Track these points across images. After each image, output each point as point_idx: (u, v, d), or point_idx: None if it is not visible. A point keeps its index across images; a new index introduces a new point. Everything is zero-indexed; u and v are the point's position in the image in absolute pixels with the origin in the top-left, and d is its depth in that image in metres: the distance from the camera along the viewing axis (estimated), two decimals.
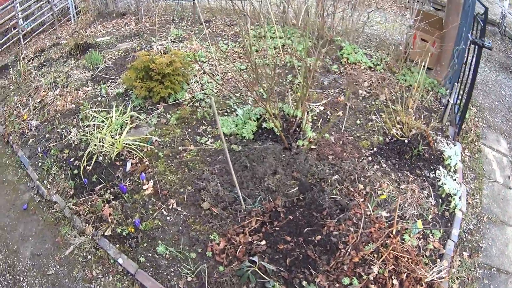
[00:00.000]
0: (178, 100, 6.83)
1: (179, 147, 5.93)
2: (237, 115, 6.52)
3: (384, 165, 5.60)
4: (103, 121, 6.41)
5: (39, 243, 5.35)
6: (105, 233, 5.07)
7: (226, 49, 8.59)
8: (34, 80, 8.45)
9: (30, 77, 8.66)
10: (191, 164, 5.71)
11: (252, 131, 6.09)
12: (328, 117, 6.67)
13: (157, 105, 6.76)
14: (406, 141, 5.86)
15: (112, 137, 6.05)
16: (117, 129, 6.26)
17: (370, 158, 5.72)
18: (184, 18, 10.40)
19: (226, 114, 6.65)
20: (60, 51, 9.58)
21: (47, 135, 6.85)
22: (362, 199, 4.98)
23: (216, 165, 5.67)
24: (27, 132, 7.13)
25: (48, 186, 5.99)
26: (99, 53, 8.68)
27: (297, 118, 6.13)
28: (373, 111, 6.79)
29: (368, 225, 4.61)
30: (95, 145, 5.86)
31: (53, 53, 9.59)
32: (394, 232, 4.51)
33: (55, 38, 10.78)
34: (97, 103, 7.07)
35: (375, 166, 5.57)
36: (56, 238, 5.35)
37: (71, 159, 6.11)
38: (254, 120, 6.23)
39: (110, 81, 7.65)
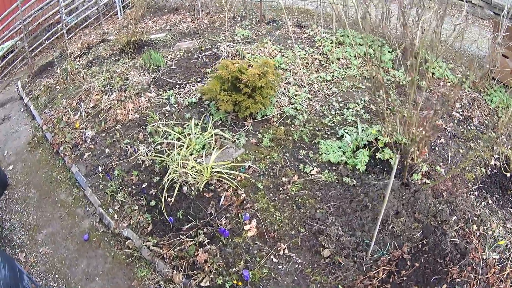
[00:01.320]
0: (267, 116, 5.69)
1: (283, 178, 4.79)
2: (338, 138, 5.41)
3: (490, 202, 4.97)
4: (179, 139, 5.29)
5: (110, 286, 4.35)
6: (201, 284, 4.01)
7: (305, 55, 7.42)
8: (84, 81, 7.37)
9: (79, 76, 7.58)
10: (299, 200, 4.61)
11: (365, 161, 4.96)
12: (432, 144, 5.58)
13: (243, 121, 5.62)
14: (509, 175, 5.25)
15: (195, 160, 4.93)
16: (199, 151, 5.14)
17: (476, 193, 5.07)
18: (246, 16, 9.25)
19: (326, 136, 5.50)
20: (111, 48, 8.48)
21: (106, 150, 5.74)
22: (477, 241, 4.46)
23: (330, 202, 4.62)
24: (81, 144, 6.03)
25: (116, 216, 4.89)
26: (157, 52, 7.56)
27: (407, 147, 5.06)
28: (470, 137, 5.89)
29: (485, 270, 4.13)
30: (175, 170, 4.73)
31: (103, 50, 8.49)
32: (505, 276, 4.12)
33: (102, 34, 9.69)
34: (166, 114, 5.95)
35: (483, 203, 4.94)
36: (131, 282, 4.31)
37: (144, 185, 5.00)
38: (366, 148, 5.09)
39: (177, 86, 6.52)
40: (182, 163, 4.83)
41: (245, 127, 5.52)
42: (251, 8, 9.76)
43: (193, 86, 6.41)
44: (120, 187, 5.11)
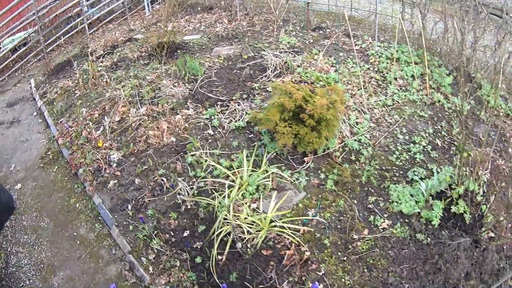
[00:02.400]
0: (329, 149, 4.78)
1: (353, 234, 3.92)
2: (408, 181, 4.53)
3: None
4: (227, 176, 4.39)
5: None
6: None
7: (360, 72, 6.47)
8: (108, 87, 6.46)
9: (102, 81, 6.66)
10: (370, 261, 3.77)
11: (440, 215, 4.18)
12: (496, 189, 4.79)
13: (302, 156, 4.73)
14: None
15: (249, 206, 4.04)
16: (253, 193, 4.24)
17: None
18: (289, 21, 8.28)
19: (395, 178, 4.61)
20: (139, 49, 7.54)
21: (136, 180, 4.84)
22: None
23: (402, 263, 3.91)
24: (105, 169, 5.13)
25: (151, 269, 4.00)
26: (193, 57, 6.62)
27: (474, 194, 4.35)
28: None
29: None
30: (227, 222, 3.84)
31: (129, 51, 7.55)
32: None
33: (128, 31, 8.74)
34: (209, 140, 5.04)
35: None
36: None
37: (185, 233, 4.11)
38: (441, 200, 4.23)
39: (219, 103, 5.60)
40: (234, 213, 3.92)
41: (306, 164, 4.61)
42: (294, 11, 8.79)
43: (238, 105, 5.49)
44: (155, 232, 4.23)
